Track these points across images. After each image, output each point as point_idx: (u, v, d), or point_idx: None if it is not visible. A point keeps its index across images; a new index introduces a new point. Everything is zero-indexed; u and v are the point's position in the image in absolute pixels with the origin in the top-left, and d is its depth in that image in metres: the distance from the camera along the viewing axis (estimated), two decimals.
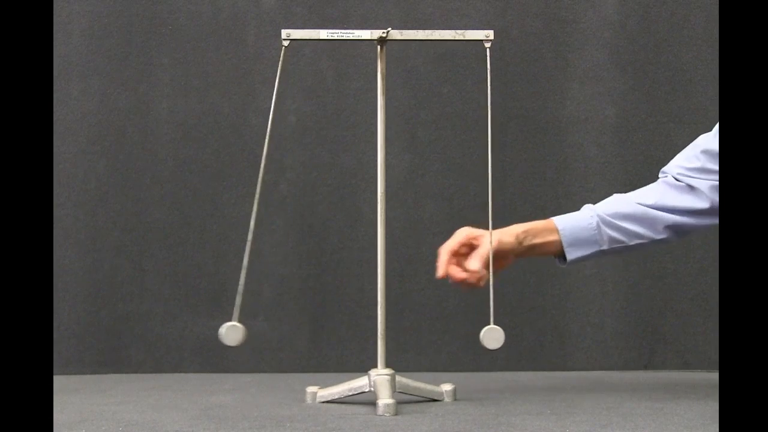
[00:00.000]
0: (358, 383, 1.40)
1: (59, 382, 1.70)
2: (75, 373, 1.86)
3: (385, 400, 1.31)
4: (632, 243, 1.48)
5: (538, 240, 1.47)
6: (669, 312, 1.90)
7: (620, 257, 1.86)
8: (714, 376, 1.54)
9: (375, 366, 1.40)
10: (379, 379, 1.37)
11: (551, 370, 1.87)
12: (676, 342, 1.90)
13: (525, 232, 1.47)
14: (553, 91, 1.93)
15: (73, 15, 1.92)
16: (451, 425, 1.21)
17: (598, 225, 1.47)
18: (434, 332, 1.90)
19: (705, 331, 1.89)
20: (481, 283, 1.44)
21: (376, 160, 1.44)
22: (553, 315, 1.91)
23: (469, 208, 1.91)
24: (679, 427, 1.18)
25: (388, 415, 1.29)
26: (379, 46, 1.41)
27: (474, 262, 1.42)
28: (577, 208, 1.92)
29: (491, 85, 1.41)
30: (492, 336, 1.36)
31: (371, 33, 1.40)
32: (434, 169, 1.92)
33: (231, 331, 1.35)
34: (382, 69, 1.41)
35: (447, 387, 1.44)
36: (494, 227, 1.94)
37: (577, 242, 1.47)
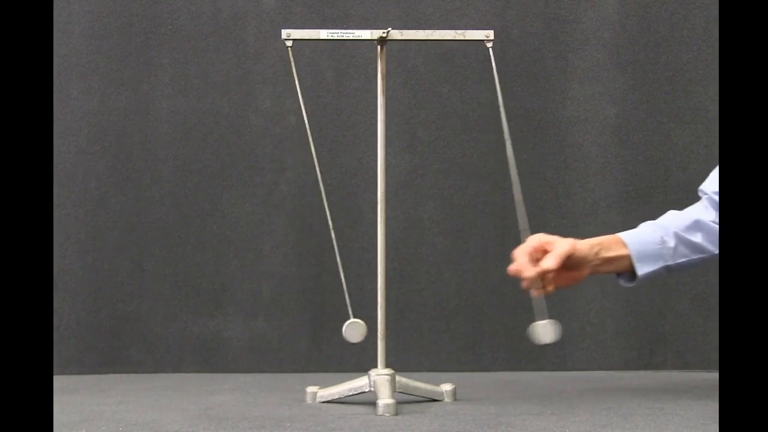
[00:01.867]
0: (358, 383, 1.40)
1: (59, 382, 1.70)
2: (75, 373, 1.86)
3: (385, 400, 1.31)
4: (695, 257, 1.46)
5: (611, 253, 1.46)
6: (669, 312, 1.90)
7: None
8: (714, 376, 1.54)
9: (375, 366, 1.40)
10: (379, 379, 1.37)
11: (551, 370, 1.87)
12: (676, 342, 1.90)
13: (599, 244, 1.46)
14: (553, 91, 1.93)
15: (73, 15, 1.92)
16: (451, 425, 1.21)
17: (662, 238, 1.45)
18: (434, 332, 1.90)
19: (705, 331, 1.89)
20: (551, 287, 1.43)
21: (376, 160, 1.44)
22: (553, 315, 1.91)
23: (469, 208, 1.91)
24: (679, 427, 1.18)
25: (388, 415, 1.29)
26: (379, 46, 1.41)
27: (549, 259, 1.40)
28: (578, 208, 1.92)
29: (490, 84, 1.41)
30: (544, 330, 1.36)
31: (371, 33, 1.40)
32: (434, 169, 1.92)
33: (351, 328, 1.37)
34: (382, 69, 1.41)
35: (447, 387, 1.44)
36: (496, 227, 1.94)
37: (645, 257, 1.45)
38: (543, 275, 1.40)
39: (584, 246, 1.45)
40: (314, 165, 1.44)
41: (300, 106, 1.43)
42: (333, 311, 1.89)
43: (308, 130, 1.41)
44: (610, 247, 1.46)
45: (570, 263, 1.42)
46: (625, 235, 1.47)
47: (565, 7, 1.93)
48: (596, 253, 1.45)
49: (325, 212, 1.43)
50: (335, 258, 1.46)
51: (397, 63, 1.91)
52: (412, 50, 1.92)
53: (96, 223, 1.91)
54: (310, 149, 1.91)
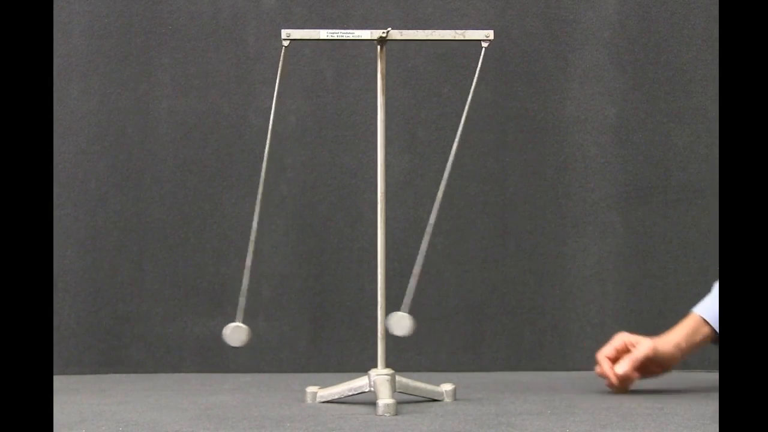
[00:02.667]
0: (358, 383, 1.40)
1: (59, 382, 1.70)
2: (75, 373, 1.86)
3: (385, 400, 1.31)
4: None
5: (698, 338, 1.52)
6: (669, 312, 1.90)
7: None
8: (714, 376, 1.54)
9: (375, 366, 1.40)
10: (379, 379, 1.37)
11: (551, 370, 1.87)
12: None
13: (685, 338, 1.51)
14: (553, 91, 1.93)
15: (73, 15, 1.92)
16: (451, 425, 1.21)
17: None
18: (434, 332, 1.90)
19: None
20: (626, 386, 1.50)
21: (376, 160, 1.44)
22: (553, 315, 1.91)
23: (469, 208, 1.91)
24: (679, 427, 1.18)
25: (388, 415, 1.29)
26: (379, 46, 1.41)
27: (622, 366, 1.49)
28: (578, 208, 1.92)
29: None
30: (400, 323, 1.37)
31: (371, 33, 1.40)
32: (434, 169, 1.92)
33: (235, 332, 1.36)
34: (382, 69, 1.41)
35: (447, 387, 1.44)
36: (494, 227, 1.94)
37: None
38: (620, 378, 1.49)
39: (669, 348, 1.51)
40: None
41: (272, 105, 1.43)
42: (333, 311, 1.89)
43: (269, 131, 1.41)
44: (695, 333, 1.52)
45: (652, 361, 1.50)
46: (703, 310, 1.53)
47: (565, 7, 1.93)
48: (684, 351, 1.52)
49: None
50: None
51: (397, 63, 1.91)
52: (412, 50, 1.92)
53: (96, 223, 1.91)
54: (310, 149, 1.91)
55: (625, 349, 1.51)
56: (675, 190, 1.91)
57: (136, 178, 1.92)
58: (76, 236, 1.90)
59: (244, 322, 1.35)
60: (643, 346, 1.49)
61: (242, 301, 1.36)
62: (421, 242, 1.91)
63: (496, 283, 1.90)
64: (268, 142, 1.38)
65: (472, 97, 1.93)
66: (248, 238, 1.41)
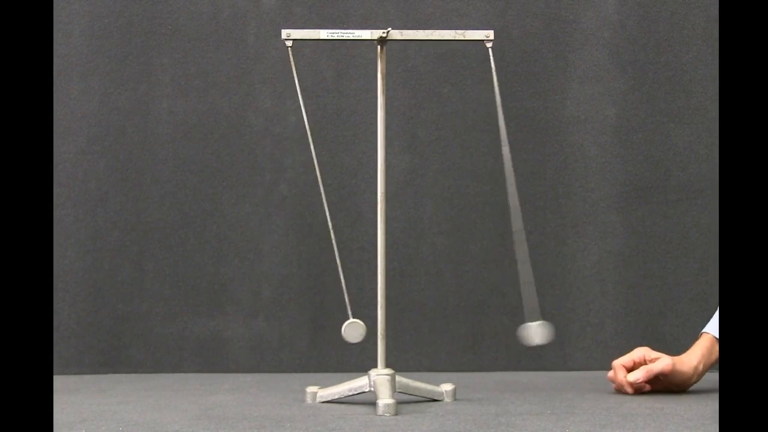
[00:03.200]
0: (358, 383, 1.40)
1: (59, 382, 1.70)
2: (75, 373, 1.86)
3: (385, 400, 1.31)
4: None
5: (713, 358, 1.54)
6: (669, 312, 1.90)
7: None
8: (714, 376, 1.54)
9: (375, 366, 1.40)
10: (379, 379, 1.37)
11: (551, 370, 1.87)
12: (676, 342, 1.89)
13: (702, 359, 1.53)
14: (553, 91, 1.93)
15: (73, 15, 1.92)
16: (451, 425, 1.21)
17: None
18: (434, 332, 1.90)
19: None
20: (637, 389, 1.50)
21: (376, 160, 1.44)
22: (553, 315, 1.91)
23: (469, 208, 1.91)
24: (679, 427, 1.18)
25: (388, 415, 1.29)
26: (379, 46, 1.41)
27: (636, 374, 1.49)
28: (578, 208, 1.92)
29: (491, 84, 1.41)
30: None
31: (371, 33, 1.40)
32: (434, 169, 1.92)
33: (351, 328, 1.37)
34: (382, 69, 1.41)
35: (447, 387, 1.44)
36: (494, 227, 1.94)
37: None
38: (631, 385, 1.49)
39: (685, 368, 1.51)
40: (314, 165, 1.44)
41: (300, 106, 1.43)
42: (333, 311, 1.89)
43: (308, 131, 1.41)
44: (711, 353, 1.54)
45: (668, 378, 1.50)
46: (716, 331, 1.54)
47: (565, 7, 1.93)
48: (700, 373, 1.53)
49: (326, 212, 1.43)
50: (335, 258, 1.46)
51: (397, 63, 1.91)
52: (412, 50, 1.92)
53: (96, 223, 1.91)
54: (310, 149, 1.91)
55: (643, 362, 1.52)
56: (675, 190, 1.91)
57: (136, 178, 1.92)
58: (76, 236, 1.90)
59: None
60: (662, 361, 1.49)
61: (346, 297, 1.37)
62: (422, 243, 1.92)
63: (496, 283, 1.90)
64: (310, 137, 1.38)
65: (477, 96, 1.93)
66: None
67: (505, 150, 1.39)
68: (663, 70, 1.93)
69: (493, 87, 1.41)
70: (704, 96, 1.92)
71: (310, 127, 1.93)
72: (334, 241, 1.41)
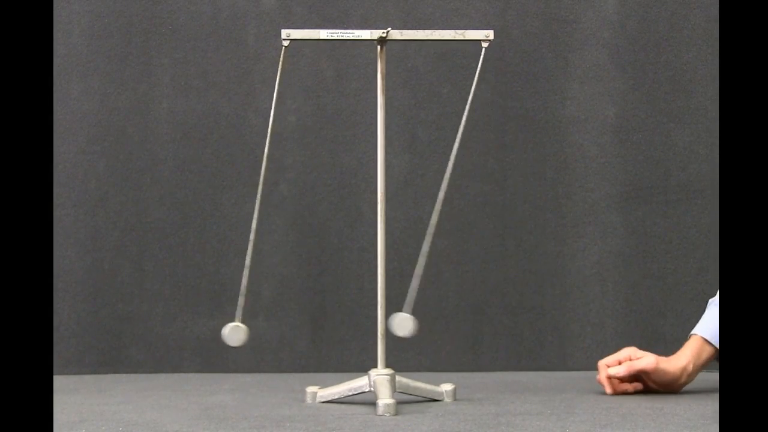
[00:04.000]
0: (358, 383, 1.40)
1: (59, 382, 1.70)
2: (75, 373, 1.86)
3: (385, 400, 1.31)
4: None
5: (703, 358, 1.53)
6: (669, 312, 1.90)
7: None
8: (714, 376, 1.54)
9: (375, 366, 1.40)
10: (379, 379, 1.37)
11: (551, 370, 1.87)
12: (676, 342, 1.89)
13: (692, 360, 1.52)
14: (553, 91, 1.93)
15: (73, 15, 1.92)
16: (451, 425, 1.21)
17: None
18: (434, 332, 1.90)
19: None
20: (618, 389, 1.51)
21: (376, 160, 1.44)
22: (553, 315, 1.91)
23: (469, 208, 1.91)
24: (679, 427, 1.18)
25: (388, 415, 1.29)
26: (379, 46, 1.41)
27: (619, 368, 1.49)
28: (578, 208, 1.92)
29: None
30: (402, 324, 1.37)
31: (371, 33, 1.40)
32: (434, 169, 1.92)
33: (234, 332, 1.36)
34: (382, 69, 1.41)
35: (447, 387, 1.44)
36: (494, 227, 1.94)
37: None
38: (610, 380, 1.49)
39: (671, 368, 1.50)
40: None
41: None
42: (333, 311, 1.89)
43: (268, 133, 1.41)
44: (700, 354, 1.53)
45: (651, 378, 1.49)
46: (703, 330, 1.53)
47: (565, 7, 1.93)
48: (690, 374, 1.52)
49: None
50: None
51: (397, 63, 1.91)
52: (412, 50, 1.92)
53: (96, 223, 1.91)
54: (310, 149, 1.91)
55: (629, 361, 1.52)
56: (675, 190, 1.91)
57: (136, 178, 1.92)
58: (76, 236, 1.90)
59: (243, 322, 1.35)
60: (646, 359, 1.49)
61: (241, 300, 1.36)
62: (422, 242, 1.91)
63: (496, 283, 1.90)
64: (267, 142, 1.38)
65: (472, 97, 1.93)
66: (248, 238, 1.41)
67: (456, 147, 1.39)
68: (663, 70, 1.93)
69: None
70: (704, 96, 1.92)
71: (309, 127, 1.93)
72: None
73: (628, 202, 1.91)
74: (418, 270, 1.35)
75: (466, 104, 1.93)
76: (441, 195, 1.38)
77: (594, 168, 1.92)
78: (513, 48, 1.93)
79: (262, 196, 1.39)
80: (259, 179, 1.38)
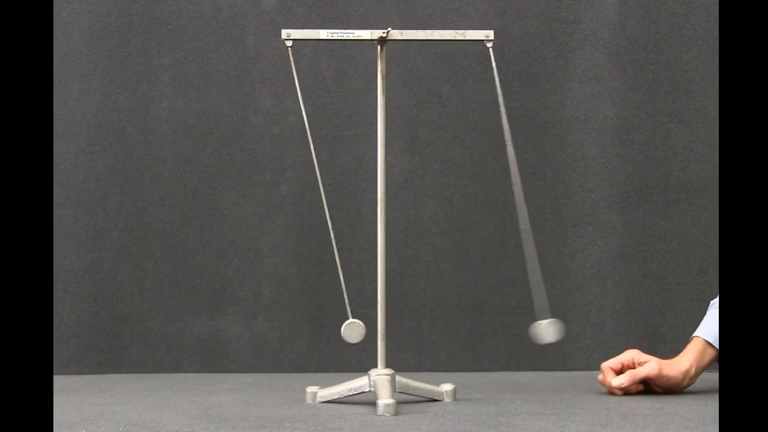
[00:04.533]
0: (358, 383, 1.40)
1: (59, 382, 1.70)
2: (75, 373, 1.86)
3: (385, 400, 1.31)
4: None
5: (705, 361, 1.53)
6: (669, 312, 1.90)
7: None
8: (714, 376, 1.54)
9: (375, 366, 1.40)
10: (379, 379, 1.37)
11: (551, 370, 1.87)
12: (676, 342, 1.89)
13: (695, 362, 1.52)
14: (553, 91, 1.93)
15: (73, 15, 1.92)
16: (451, 425, 1.21)
17: None
18: (434, 332, 1.90)
19: None
20: (627, 392, 1.51)
21: (376, 160, 1.44)
22: (553, 315, 1.91)
23: (469, 208, 1.91)
24: (679, 427, 1.18)
25: (388, 415, 1.29)
26: (379, 46, 1.41)
27: (620, 378, 1.49)
28: (578, 208, 1.92)
29: (490, 84, 1.41)
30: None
31: (371, 33, 1.40)
32: (434, 169, 1.92)
33: (350, 328, 1.37)
34: (382, 69, 1.41)
35: (447, 387, 1.44)
36: (494, 227, 1.94)
37: None
38: (618, 388, 1.50)
39: (674, 373, 1.51)
40: (314, 165, 1.44)
41: (300, 106, 1.43)
42: (333, 311, 1.89)
43: (308, 131, 1.41)
44: (702, 357, 1.53)
45: (655, 383, 1.50)
46: (705, 332, 1.54)
47: (565, 7, 1.93)
48: (692, 377, 1.52)
49: (325, 212, 1.43)
50: (335, 258, 1.46)
51: (397, 63, 1.91)
52: (412, 50, 1.92)
53: (96, 223, 1.91)
54: (310, 149, 1.91)
55: (632, 365, 1.52)
56: (675, 190, 1.91)
57: (136, 178, 1.92)
58: (76, 236, 1.90)
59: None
60: (648, 366, 1.49)
61: (346, 298, 1.37)
62: (420, 242, 1.92)
63: (496, 283, 1.90)
64: (309, 138, 1.38)
65: (477, 96, 1.93)
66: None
67: (510, 150, 1.39)
68: (663, 70, 1.93)
69: (494, 87, 1.41)
70: (704, 96, 1.92)
71: (310, 127, 1.93)
72: (334, 242, 1.41)
73: (628, 202, 1.91)
74: (536, 276, 1.35)
75: (466, 104, 1.93)
76: (518, 195, 1.37)
77: (594, 168, 1.92)
78: (513, 48, 1.93)
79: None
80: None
